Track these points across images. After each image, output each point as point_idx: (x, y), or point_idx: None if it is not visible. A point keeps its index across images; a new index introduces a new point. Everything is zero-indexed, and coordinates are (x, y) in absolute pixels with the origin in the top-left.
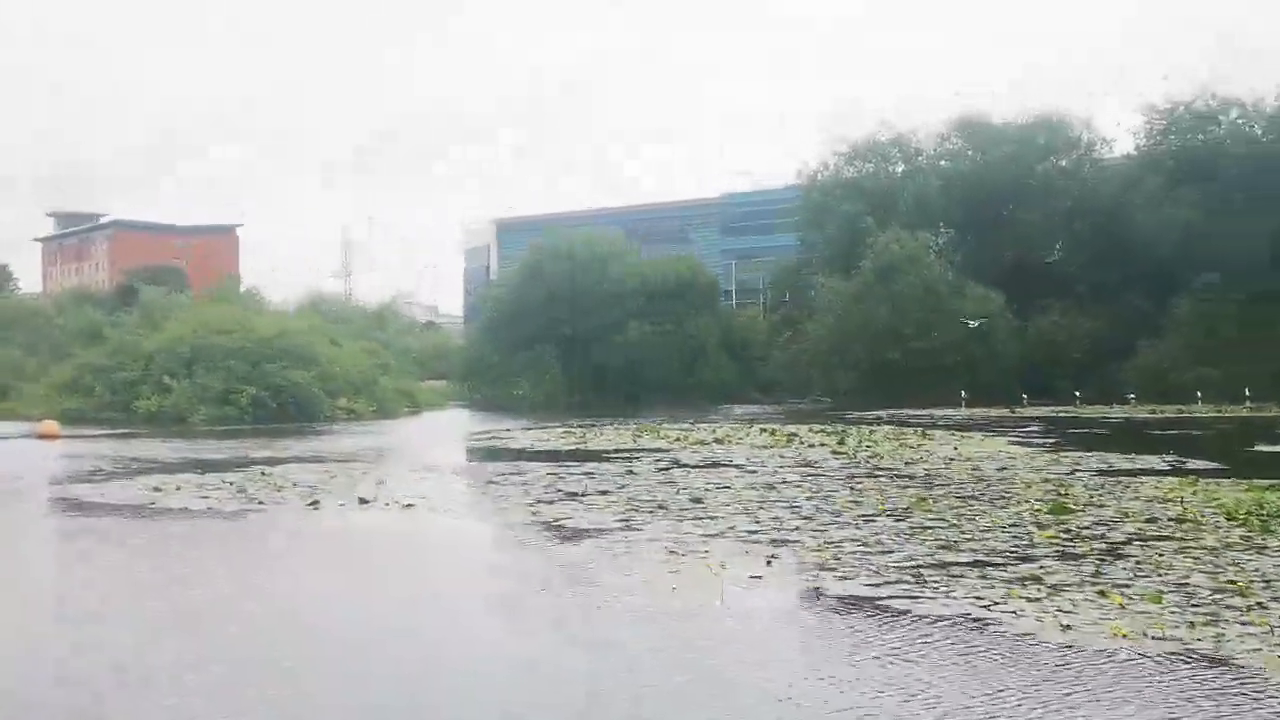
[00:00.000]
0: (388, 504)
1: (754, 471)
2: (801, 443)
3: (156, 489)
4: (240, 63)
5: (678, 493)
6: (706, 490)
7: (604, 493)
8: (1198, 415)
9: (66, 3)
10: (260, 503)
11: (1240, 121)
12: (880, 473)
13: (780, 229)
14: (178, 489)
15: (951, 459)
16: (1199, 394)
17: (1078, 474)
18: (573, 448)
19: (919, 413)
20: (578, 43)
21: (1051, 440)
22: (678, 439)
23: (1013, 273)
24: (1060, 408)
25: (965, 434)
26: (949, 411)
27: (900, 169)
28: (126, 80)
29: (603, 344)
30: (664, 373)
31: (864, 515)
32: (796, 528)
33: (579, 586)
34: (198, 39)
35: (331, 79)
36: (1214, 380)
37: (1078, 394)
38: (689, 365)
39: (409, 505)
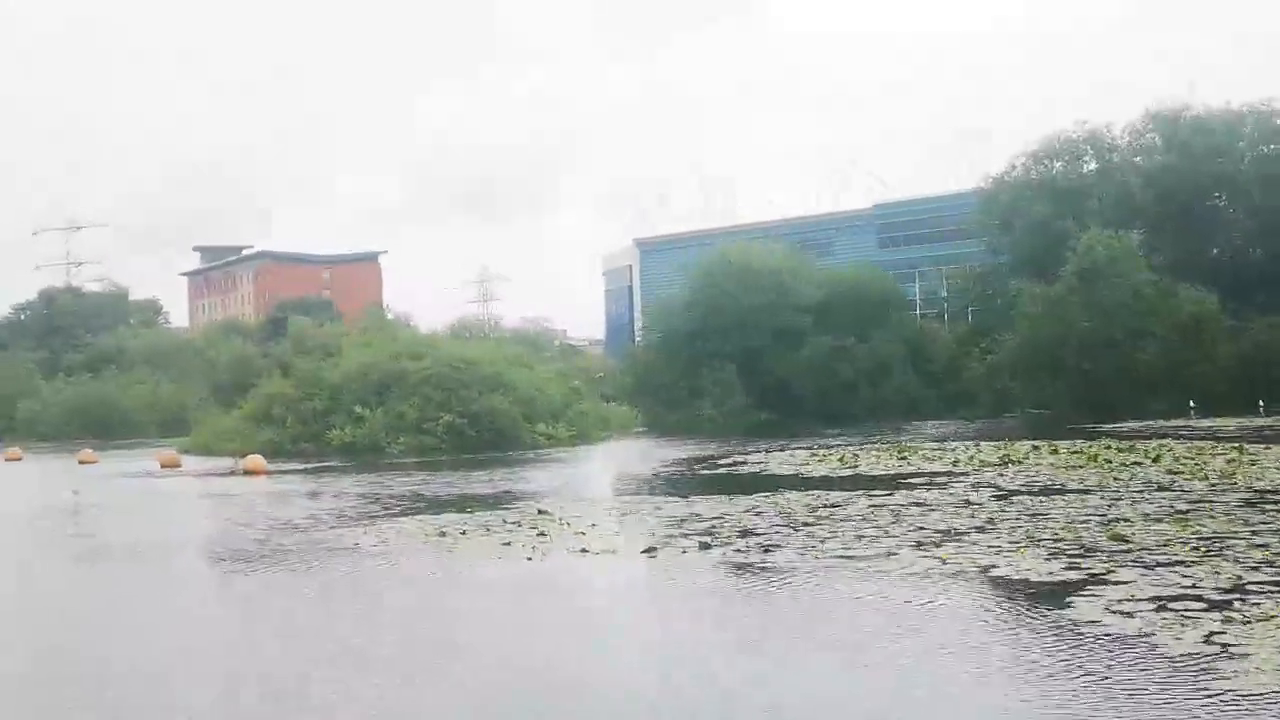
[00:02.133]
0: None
1: (1143, 496)
2: (1112, 462)
3: (441, 534)
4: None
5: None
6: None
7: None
8: None
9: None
10: (611, 552)
11: None
12: None
13: (946, 236)
14: (463, 533)
15: None
16: None
17: None
18: (849, 472)
19: (1149, 424)
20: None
21: None
22: (956, 460)
23: (1223, 272)
24: None
25: (1265, 446)
26: (1183, 422)
27: (1091, 166)
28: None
29: (784, 360)
30: (849, 388)
31: None
32: None
33: None
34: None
35: (438, 106)
36: None
37: None
38: (874, 380)
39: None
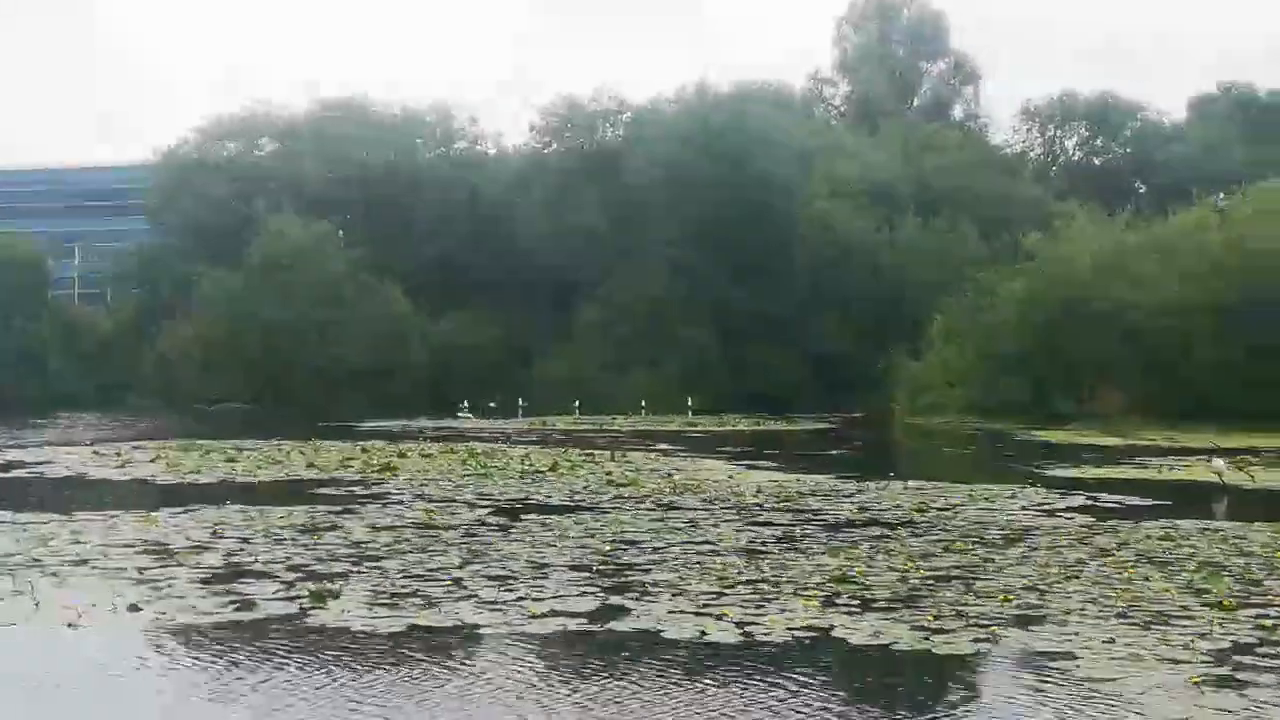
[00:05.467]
0: None
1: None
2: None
3: None
4: None
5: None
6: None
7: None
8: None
9: None
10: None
11: None
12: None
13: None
14: None
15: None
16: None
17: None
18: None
19: (381, 425)
20: None
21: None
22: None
23: (420, 272)
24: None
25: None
26: (394, 423)
27: (269, 149)
28: None
29: None
30: None
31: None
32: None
33: None
34: None
35: None
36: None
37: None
38: (19, 366)
39: None
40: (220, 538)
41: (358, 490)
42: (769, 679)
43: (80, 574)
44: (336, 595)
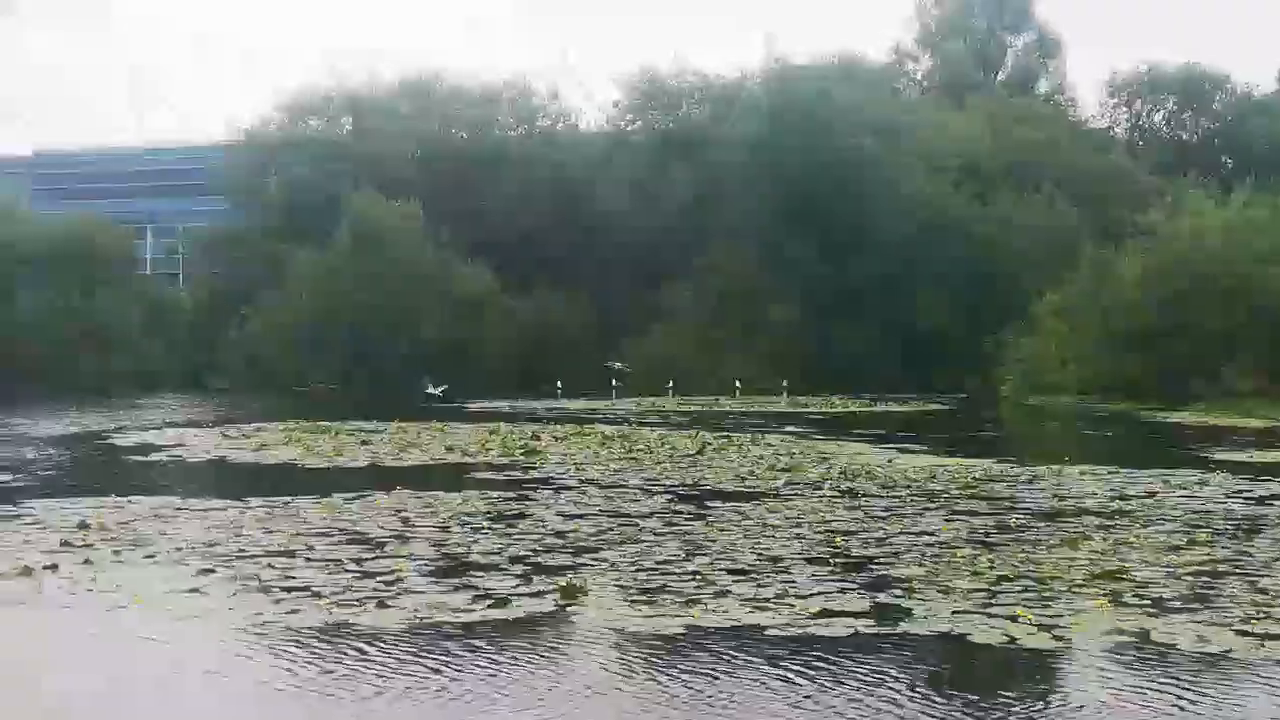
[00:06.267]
0: None
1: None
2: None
3: None
4: None
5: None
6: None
7: None
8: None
9: None
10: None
11: None
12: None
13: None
14: None
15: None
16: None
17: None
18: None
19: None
20: None
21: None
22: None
23: (502, 249)
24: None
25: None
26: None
27: (349, 127)
28: None
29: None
30: (61, 355)
31: None
32: None
33: None
34: None
35: None
36: None
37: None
38: (105, 346)
39: None
40: (413, 525)
41: (516, 475)
42: (1141, 689)
43: (298, 566)
44: (585, 592)
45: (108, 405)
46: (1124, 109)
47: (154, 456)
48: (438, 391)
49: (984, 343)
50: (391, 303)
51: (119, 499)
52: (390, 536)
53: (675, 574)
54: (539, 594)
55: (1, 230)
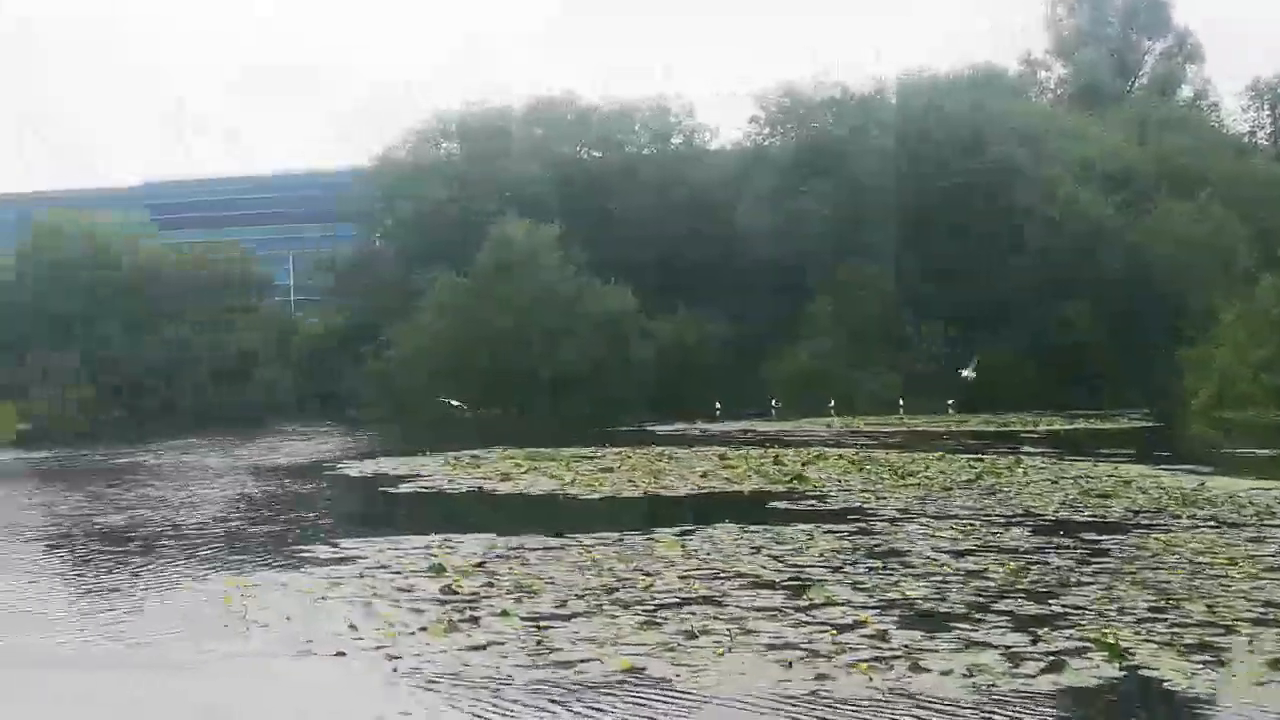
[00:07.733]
0: None
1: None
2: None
3: None
4: None
5: None
6: None
7: None
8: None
9: None
10: None
11: None
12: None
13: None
14: None
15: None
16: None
17: None
18: (541, 492)
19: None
20: None
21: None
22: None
23: (639, 270)
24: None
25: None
26: (660, 427)
27: (483, 149)
28: None
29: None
30: (200, 384)
31: None
32: None
33: None
34: None
35: None
36: None
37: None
38: (235, 376)
39: None
40: (793, 565)
41: (816, 504)
42: None
43: (753, 617)
44: (1122, 652)
45: (258, 435)
46: (1268, 114)
47: (404, 488)
48: (460, 405)
49: (1154, 355)
50: (532, 326)
51: (436, 536)
52: (788, 580)
53: (1198, 624)
54: (1057, 653)
55: (130, 260)
